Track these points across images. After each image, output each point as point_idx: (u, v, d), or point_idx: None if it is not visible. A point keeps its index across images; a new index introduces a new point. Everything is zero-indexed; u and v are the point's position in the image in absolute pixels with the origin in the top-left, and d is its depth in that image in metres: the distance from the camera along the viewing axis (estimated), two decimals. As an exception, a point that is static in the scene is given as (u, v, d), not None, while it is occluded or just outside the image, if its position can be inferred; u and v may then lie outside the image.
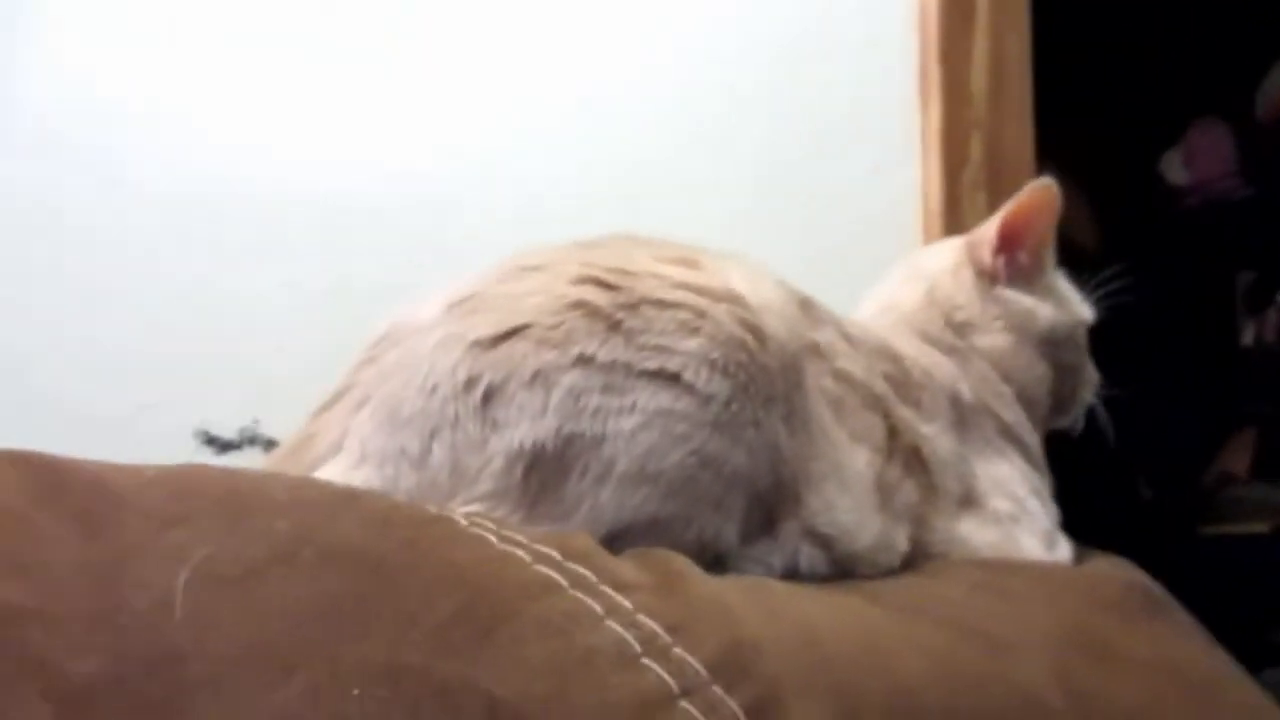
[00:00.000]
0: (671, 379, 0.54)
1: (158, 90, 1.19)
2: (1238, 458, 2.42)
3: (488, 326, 0.55)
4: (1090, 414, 0.88)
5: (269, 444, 1.06)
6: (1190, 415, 2.36)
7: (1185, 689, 0.59)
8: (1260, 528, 2.28)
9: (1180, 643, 0.64)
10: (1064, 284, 0.87)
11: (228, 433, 1.10)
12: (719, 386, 0.54)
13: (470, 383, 0.54)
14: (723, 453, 0.54)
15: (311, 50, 1.21)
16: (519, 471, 0.52)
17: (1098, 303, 0.88)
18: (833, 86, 1.28)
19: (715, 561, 0.54)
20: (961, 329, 0.83)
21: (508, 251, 0.64)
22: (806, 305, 0.69)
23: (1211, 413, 2.42)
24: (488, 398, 0.54)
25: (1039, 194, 0.84)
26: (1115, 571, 0.70)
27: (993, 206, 1.23)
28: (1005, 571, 0.64)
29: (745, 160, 1.27)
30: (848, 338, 0.70)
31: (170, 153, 1.17)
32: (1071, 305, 0.86)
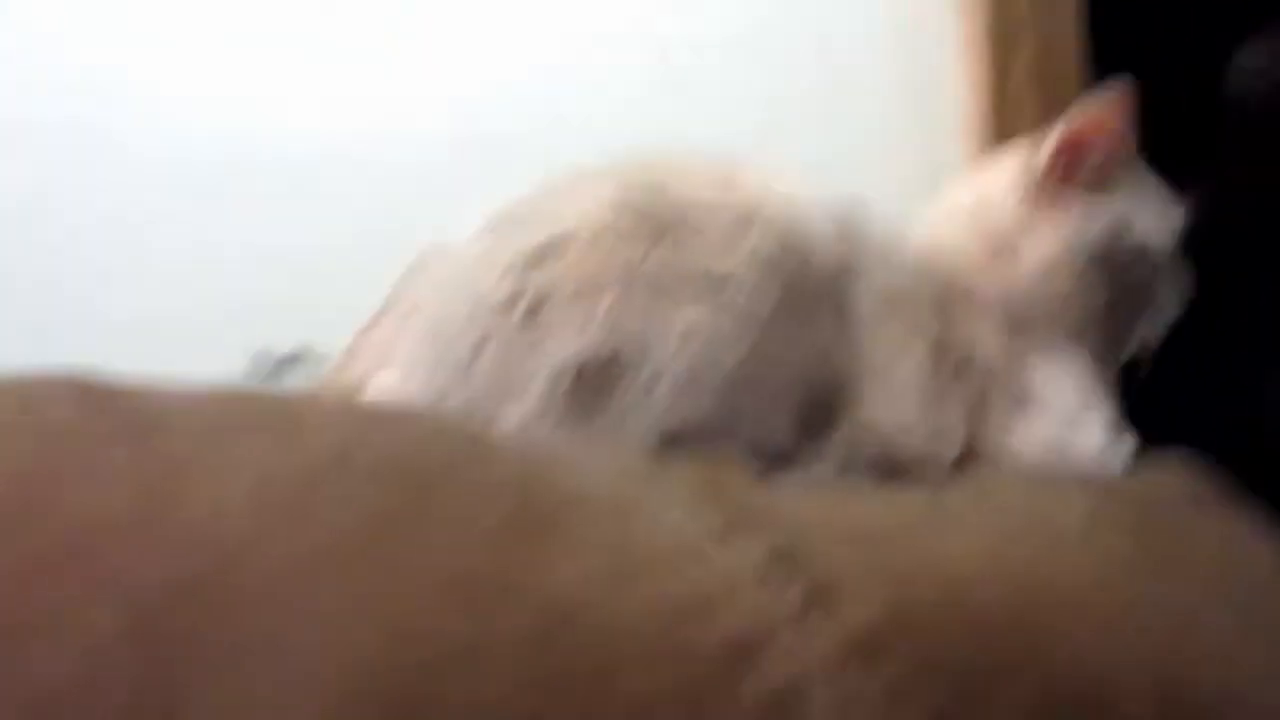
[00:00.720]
0: (714, 286, 0.53)
1: (148, 52, 1.19)
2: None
3: (529, 242, 0.55)
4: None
5: (322, 361, 1.08)
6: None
7: (1240, 591, 0.58)
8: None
9: (1242, 542, 0.63)
10: (1145, 196, 0.81)
11: (282, 352, 1.12)
12: (766, 293, 0.54)
13: (514, 298, 0.54)
14: (773, 354, 0.54)
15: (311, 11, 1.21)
16: (566, 383, 0.52)
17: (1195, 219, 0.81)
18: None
19: (769, 464, 0.53)
20: (1007, 241, 0.80)
21: (549, 169, 0.63)
22: (848, 218, 0.68)
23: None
24: (531, 312, 0.53)
25: (1106, 105, 0.78)
26: (1176, 470, 0.68)
27: (1043, 108, 1.20)
28: (1058, 474, 0.63)
29: (792, 67, 1.25)
30: (893, 249, 0.69)
31: (220, 102, 1.18)
32: (1144, 220, 0.80)
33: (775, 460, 0.54)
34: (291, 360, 1.09)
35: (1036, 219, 0.80)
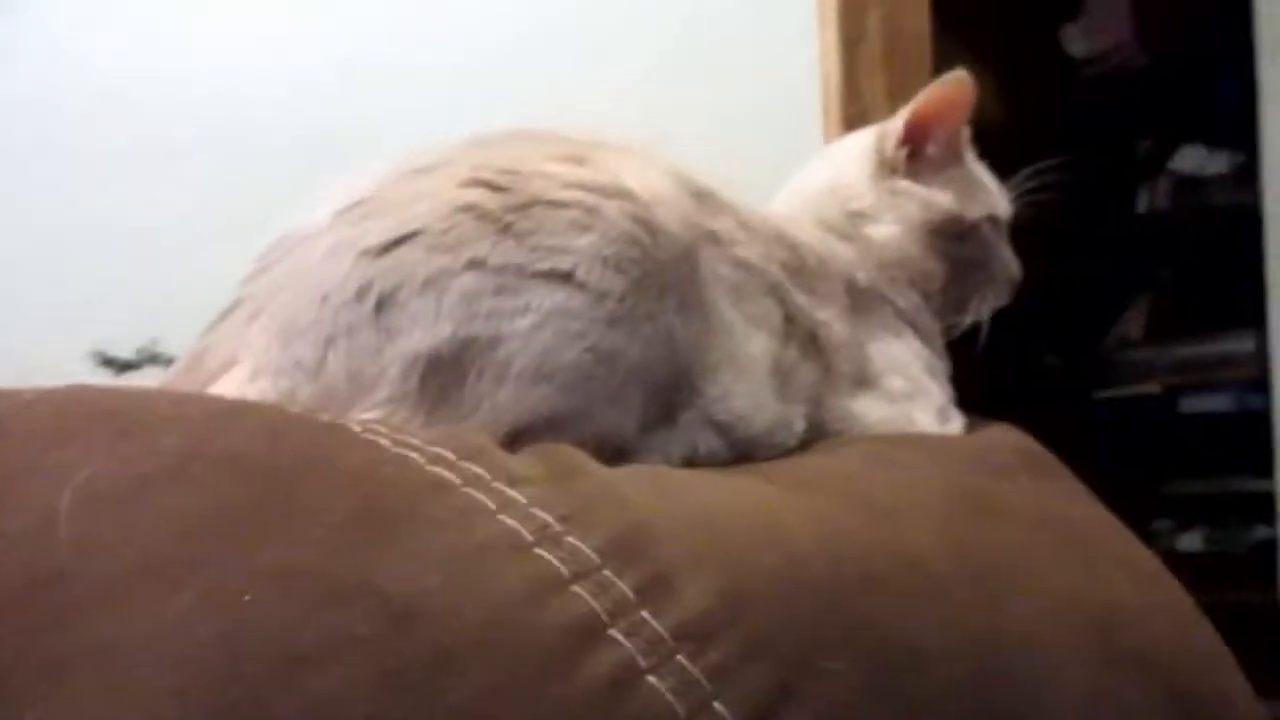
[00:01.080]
0: (564, 278, 0.54)
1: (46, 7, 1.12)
2: (1134, 322, 2.52)
3: (378, 233, 0.55)
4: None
5: (168, 363, 1.04)
6: (1089, 284, 2.45)
7: (1066, 541, 0.62)
8: (1153, 389, 2.40)
9: (1062, 499, 0.68)
10: (979, 176, 0.86)
11: (125, 353, 1.08)
12: (612, 283, 0.55)
13: (362, 291, 0.54)
14: (618, 348, 0.55)
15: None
16: (416, 377, 0.53)
17: (1023, 197, 0.87)
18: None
19: (615, 454, 0.55)
20: (856, 217, 0.84)
21: (409, 139, 0.62)
22: (703, 194, 0.70)
23: (1109, 280, 2.51)
24: (381, 305, 0.53)
25: (951, 87, 0.83)
26: (1004, 437, 0.73)
27: (891, 86, 1.24)
28: (896, 443, 0.67)
29: (645, 35, 1.25)
30: (745, 225, 0.71)
31: (63, 72, 1.11)
32: (980, 199, 0.85)
33: (621, 451, 0.56)
34: (135, 359, 1.05)
35: (885, 195, 0.84)
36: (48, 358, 1.03)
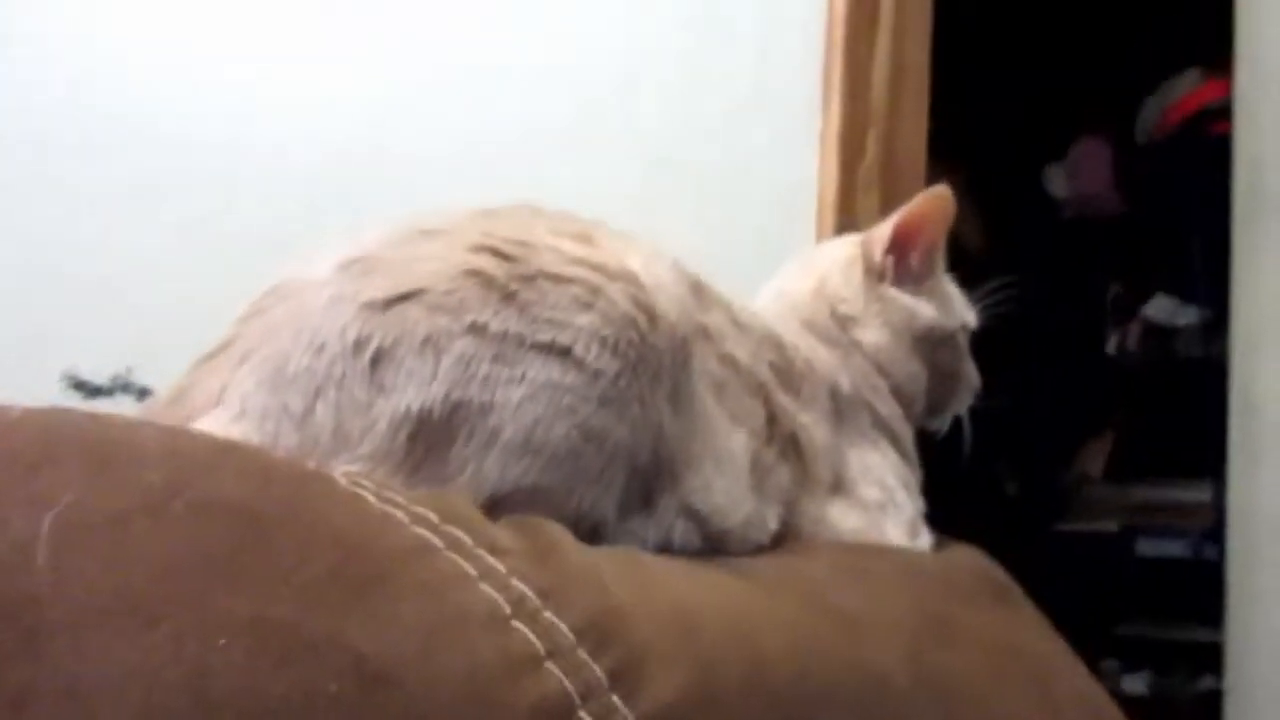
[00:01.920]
0: (562, 353, 0.55)
1: (24, 18, 1.13)
2: (1094, 459, 2.56)
3: (381, 289, 0.55)
4: (956, 418, 0.91)
5: (142, 393, 1.03)
6: (1054, 417, 2.49)
7: (1024, 672, 0.63)
8: (1109, 526, 2.42)
9: (1023, 629, 0.69)
10: (951, 288, 0.90)
11: (98, 379, 1.06)
12: (608, 363, 0.56)
13: (360, 344, 0.54)
14: (607, 428, 0.55)
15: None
16: (404, 435, 0.53)
17: (984, 311, 0.91)
18: (734, 73, 1.30)
19: (591, 533, 0.55)
20: (844, 322, 0.86)
21: (392, 214, 0.63)
22: (698, 288, 0.71)
23: (1074, 416, 2.56)
24: (376, 360, 0.54)
25: (934, 200, 0.87)
26: (969, 561, 0.74)
27: (885, 202, 1.28)
28: (866, 554, 0.67)
29: (642, 139, 1.28)
30: (736, 323, 0.72)
31: (45, 105, 1.12)
32: (955, 309, 0.89)
33: (598, 530, 0.56)
34: (108, 386, 1.04)
35: (874, 301, 0.86)
36: (17, 379, 1.02)
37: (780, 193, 1.30)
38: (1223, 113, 1.99)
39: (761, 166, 1.31)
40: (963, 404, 0.91)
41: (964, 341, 0.90)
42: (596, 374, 0.55)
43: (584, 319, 0.56)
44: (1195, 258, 2.24)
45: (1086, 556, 2.44)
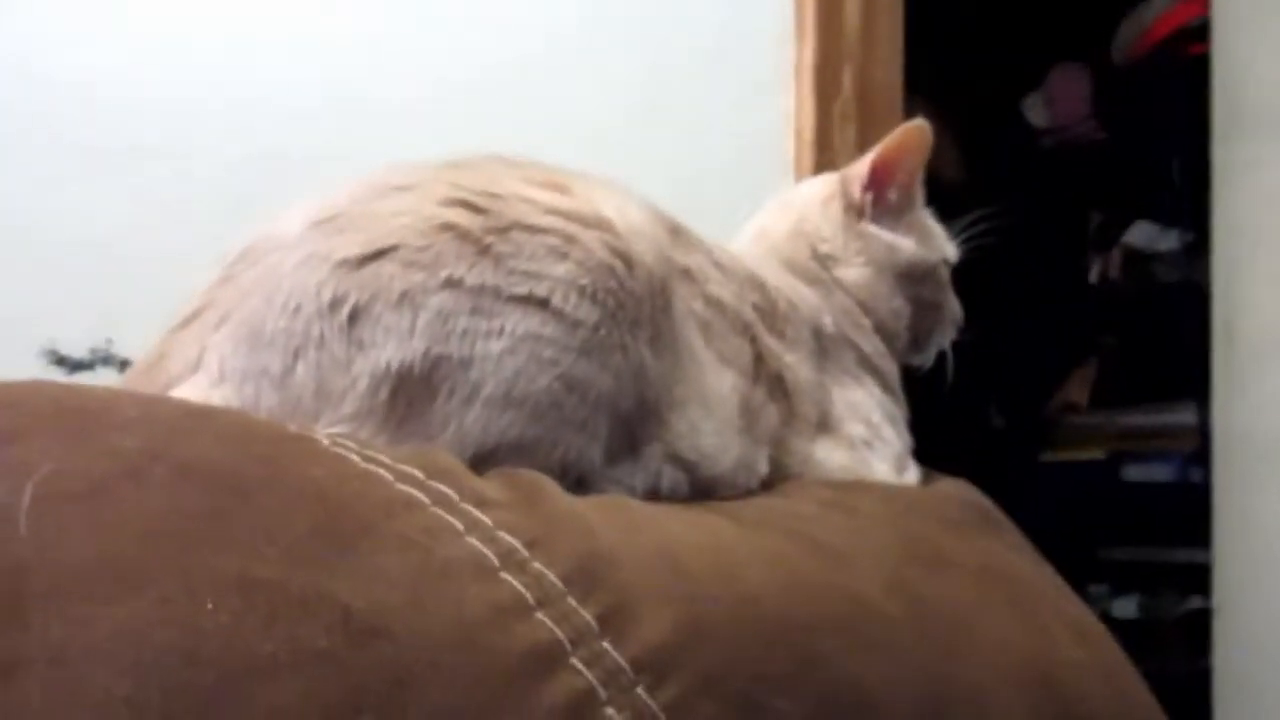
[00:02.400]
0: (540, 304, 0.54)
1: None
2: (1079, 388, 2.58)
3: (354, 246, 0.55)
4: (940, 353, 0.91)
5: (123, 365, 1.02)
6: (1038, 348, 2.50)
7: (1012, 596, 0.63)
8: (1096, 454, 2.44)
9: (1010, 555, 0.69)
10: (931, 222, 0.90)
11: (78, 353, 1.05)
12: (587, 312, 0.55)
13: (335, 303, 0.53)
14: (589, 377, 0.55)
15: None
16: (385, 392, 0.52)
17: (964, 244, 0.91)
18: (708, 12, 1.28)
19: (578, 483, 0.55)
20: (825, 260, 0.86)
21: (366, 167, 0.62)
22: (678, 231, 0.71)
23: (1058, 345, 2.57)
24: (353, 318, 0.53)
25: (911, 134, 0.86)
26: (955, 491, 0.75)
27: (862, 138, 1.27)
28: (853, 490, 0.68)
29: (616, 81, 1.27)
30: (719, 265, 0.72)
31: (19, 73, 1.09)
32: (935, 243, 0.89)
33: (585, 480, 0.56)
34: (88, 360, 1.03)
35: (853, 239, 0.86)
36: (-2, 353, 1.01)
37: (757, 131, 1.29)
38: (1199, 33, 1.98)
39: (737, 106, 1.29)
40: (946, 338, 0.91)
41: (945, 275, 0.89)
42: (575, 323, 0.55)
43: (560, 269, 0.55)
44: (1175, 181, 2.23)
45: (1074, 484, 2.47)
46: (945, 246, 0.89)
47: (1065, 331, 2.55)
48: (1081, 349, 2.62)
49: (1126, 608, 2.39)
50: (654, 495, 0.60)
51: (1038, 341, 2.47)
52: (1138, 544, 2.41)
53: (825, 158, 1.23)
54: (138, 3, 1.14)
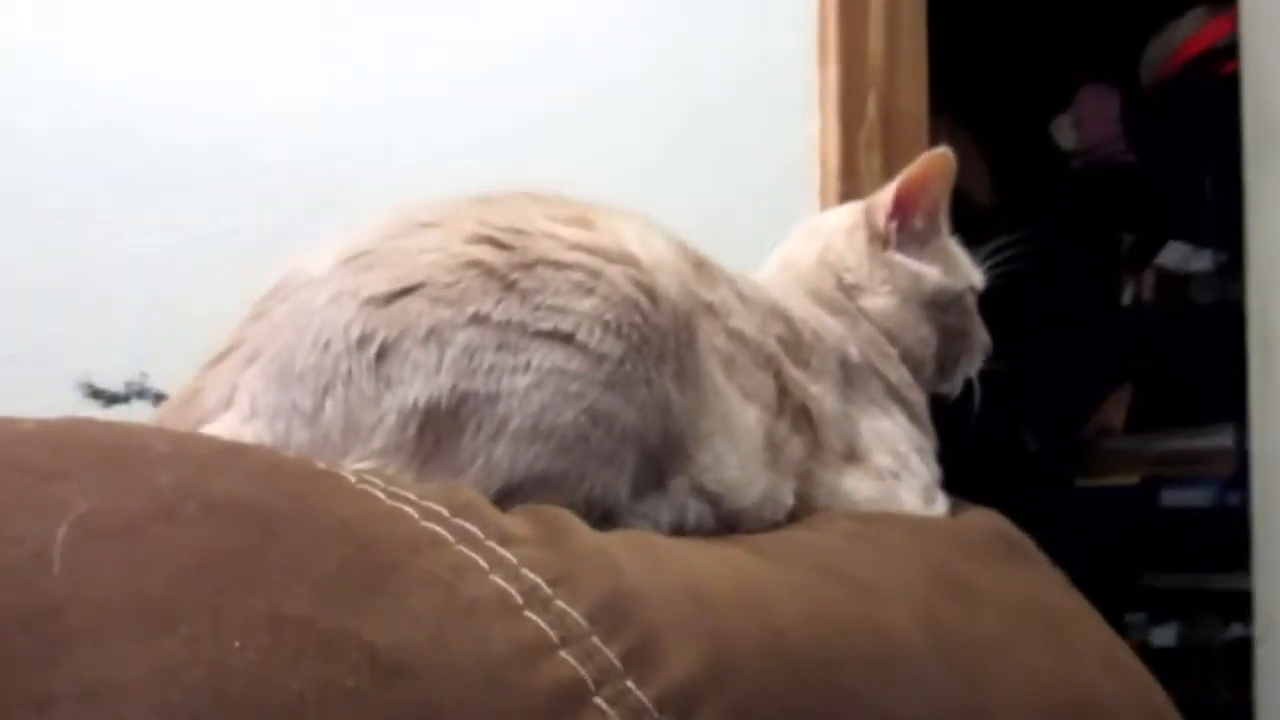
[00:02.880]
0: (565, 339, 0.55)
1: (26, 21, 1.13)
2: (1114, 412, 2.55)
3: (382, 283, 0.56)
4: (968, 381, 0.90)
5: (158, 398, 1.04)
6: (1073, 371, 2.48)
7: (1040, 625, 0.63)
8: (1131, 479, 2.41)
9: (1038, 585, 0.69)
10: (956, 249, 0.89)
11: (114, 385, 1.07)
12: (612, 346, 0.56)
13: (364, 339, 0.54)
14: (614, 411, 0.56)
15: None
16: (413, 428, 0.53)
17: (990, 270, 0.90)
18: (734, 41, 1.29)
19: (605, 517, 0.56)
20: (851, 290, 0.86)
21: (402, 205, 0.63)
22: (701, 264, 0.71)
23: (1092, 369, 2.54)
24: (382, 354, 0.54)
25: (935, 161, 0.86)
26: (984, 521, 0.74)
27: (888, 165, 1.27)
28: (879, 523, 0.68)
29: (643, 116, 1.27)
30: (742, 297, 0.72)
31: (46, 89, 1.12)
32: (961, 271, 0.88)
33: (611, 514, 0.56)
34: (123, 393, 1.04)
35: (879, 268, 0.86)
36: (34, 386, 1.03)
37: (785, 161, 1.29)
38: (1229, 51, 1.96)
39: (765, 136, 1.30)
40: (974, 365, 0.90)
41: (972, 303, 0.89)
42: (601, 358, 0.55)
43: (586, 304, 0.56)
44: (1207, 200, 2.21)
45: (1109, 510, 2.43)
46: (972, 274, 0.89)
47: (1099, 355, 2.52)
48: (1116, 372, 2.59)
49: (1165, 636, 2.34)
50: (680, 529, 0.60)
51: (1071, 365, 2.45)
52: (1176, 570, 2.37)
53: (851, 185, 1.23)
54: (171, 40, 1.16)
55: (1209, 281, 2.30)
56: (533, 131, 1.23)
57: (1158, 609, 2.37)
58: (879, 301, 0.85)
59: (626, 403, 0.56)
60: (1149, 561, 2.37)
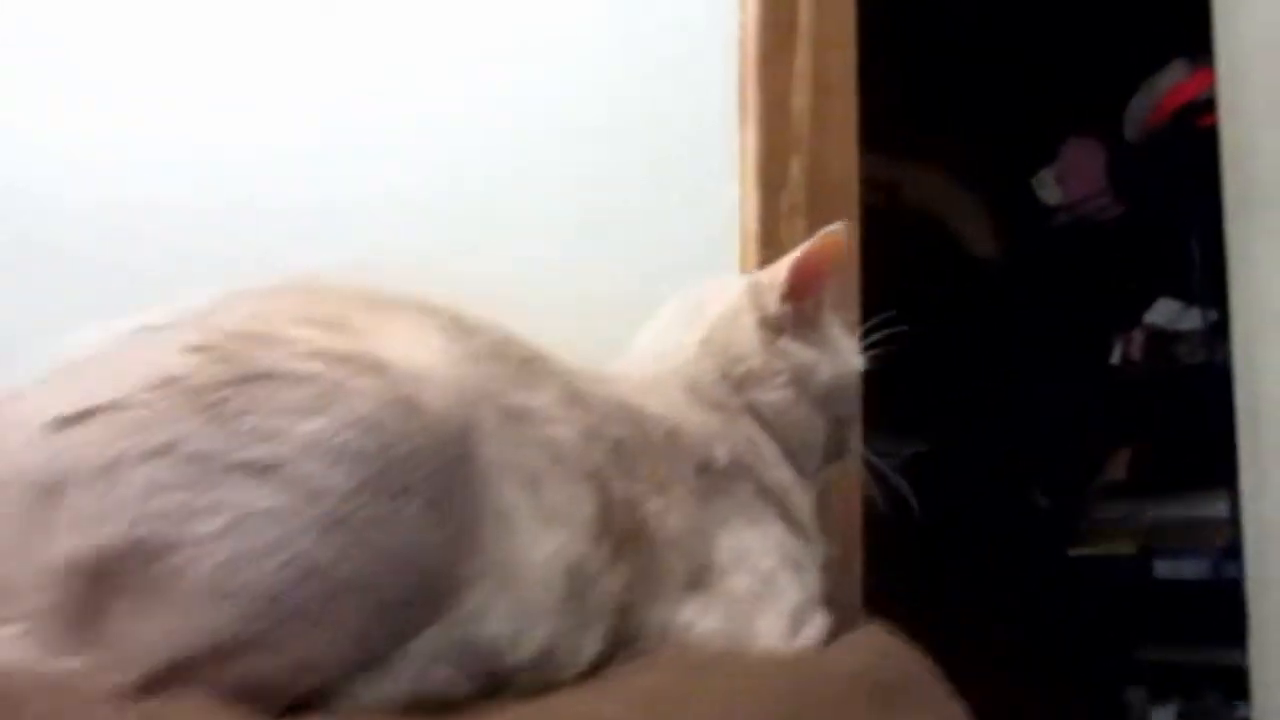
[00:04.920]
0: (266, 471, 0.45)
1: None
2: (1118, 466, 2.42)
3: (67, 403, 0.47)
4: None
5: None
6: (1074, 429, 2.36)
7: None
8: (1127, 549, 2.27)
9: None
10: (839, 331, 0.83)
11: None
12: (332, 479, 0.46)
13: (32, 475, 0.45)
14: (328, 560, 0.46)
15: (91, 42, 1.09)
16: (69, 588, 0.44)
17: (868, 350, 0.84)
18: (651, 107, 1.21)
19: (319, 689, 0.46)
20: (741, 383, 0.77)
21: (296, 265, 0.57)
22: (528, 361, 0.62)
23: (1091, 427, 2.43)
24: (47, 494, 0.45)
25: (830, 240, 0.80)
26: (850, 660, 0.63)
27: (812, 232, 1.17)
28: (706, 671, 0.57)
29: (562, 182, 1.19)
30: (575, 399, 0.63)
31: None
32: (845, 355, 0.82)
33: (327, 684, 0.46)
34: None
35: (775, 358, 0.78)
36: None
37: (706, 228, 1.20)
38: (1211, 104, 1.87)
39: (687, 202, 1.21)
40: (855, 452, 0.84)
41: (856, 387, 0.82)
42: (315, 495, 0.46)
43: (308, 426, 0.47)
44: (1194, 257, 2.10)
45: (1105, 581, 2.30)
46: (853, 358, 0.82)
47: (1096, 414, 2.41)
48: (1115, 431, 2.48)
49: (1166, 716, 2.20)
50: (419, 699, 0.49)
51: (1072, 423, 2.35)
52: (1175, 644, 2.23)
53: (771, 253, 1.13)
54: (35, 98, 1.08)
55: (1199, 341, 2.18)
56: (451, 197, 1.15)
57: (1158, 685, 2.23)
58: (773, 396, 0.77)
59: (346, 550, 0.46)
60: (1147, 634, 2.23)
